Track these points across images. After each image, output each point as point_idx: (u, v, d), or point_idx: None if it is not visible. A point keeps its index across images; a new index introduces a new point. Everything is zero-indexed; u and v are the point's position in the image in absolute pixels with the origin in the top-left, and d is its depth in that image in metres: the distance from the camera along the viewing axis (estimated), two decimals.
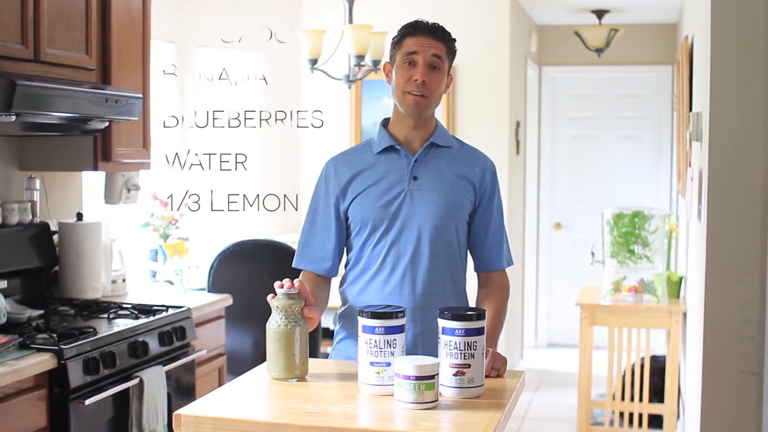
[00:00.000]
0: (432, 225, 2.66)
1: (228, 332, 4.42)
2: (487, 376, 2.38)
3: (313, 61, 4.91)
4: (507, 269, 2.84)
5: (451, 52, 2.71)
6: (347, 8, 5.00)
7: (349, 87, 5.22)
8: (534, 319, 8.15)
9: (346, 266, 2.80)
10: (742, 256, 3.22)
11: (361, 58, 4.83)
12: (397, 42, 2.70)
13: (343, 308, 2.78)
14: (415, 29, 2.67)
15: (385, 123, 2.77)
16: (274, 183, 6.32)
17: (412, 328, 2.61)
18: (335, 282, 2.84)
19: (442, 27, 2.71)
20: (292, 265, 2.80)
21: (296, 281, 2.40)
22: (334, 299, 2.84)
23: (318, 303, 2.61)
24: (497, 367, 2.44)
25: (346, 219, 2.73)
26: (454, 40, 2.72)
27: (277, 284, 2.39)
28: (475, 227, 2.75)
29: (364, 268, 2.71)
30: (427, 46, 2.64)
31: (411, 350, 2.58)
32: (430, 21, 2.71)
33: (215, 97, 5.97)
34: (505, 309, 2.76)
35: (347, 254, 2.78)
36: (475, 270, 2.81)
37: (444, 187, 2.68)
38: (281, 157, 6.39)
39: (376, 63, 4.93)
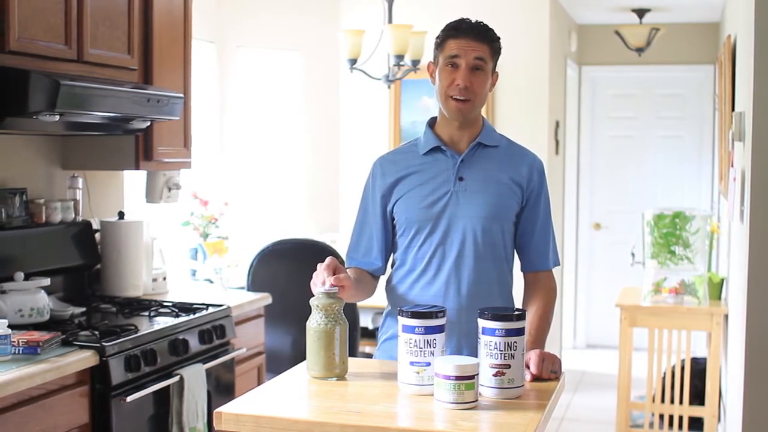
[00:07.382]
0: (477, 226, 2.63)
1: (267, 331, 4.44)
2: (545, 380, 2.38)
3: (353, 61, 4.92)
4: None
5: (495, 52, 2.65)
6: (386, 8, 5.00)
7: (389, 87, 5.22)
8: (573, 320, 8.11)
9: (392, 266, 2.78)
10: None
11: (400, 57, 4.83)
12: (439, 44, 2.65)
13: (389, 308, 2.77)
14: (457, 31, 2.61)
15: (432, 123, 2.75)
16: (314, 182, 6.34)
17: (457, 330, 2.60)
18: (381, 282, 2.82)
19: (486, 27, 2.64)
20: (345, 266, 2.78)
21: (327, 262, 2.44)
22: (375, 299, 2.83)
23: (357, 286, 2.58)
24: (555, 369, 2.42)
25: (392, 219, 2.72)
26: (498, 39, 2.66)
27: (314, 282, 2.42)
28: (522, 227, 2.72)
29: (410, 269, 2.69)
30: (470, 49, 2.59)
31: (455, 351, 2.58)
32: (474, 20, 2.65)
33: (255, 97, 6.00)
34: (551, 310, 2.74)
35: (393, 254, 2.77)
36: (522, 270, 2.78)
37: (490, 187, 2.65)
38: (321, 156, 6.40)
39: (415, 63, 4.92)
